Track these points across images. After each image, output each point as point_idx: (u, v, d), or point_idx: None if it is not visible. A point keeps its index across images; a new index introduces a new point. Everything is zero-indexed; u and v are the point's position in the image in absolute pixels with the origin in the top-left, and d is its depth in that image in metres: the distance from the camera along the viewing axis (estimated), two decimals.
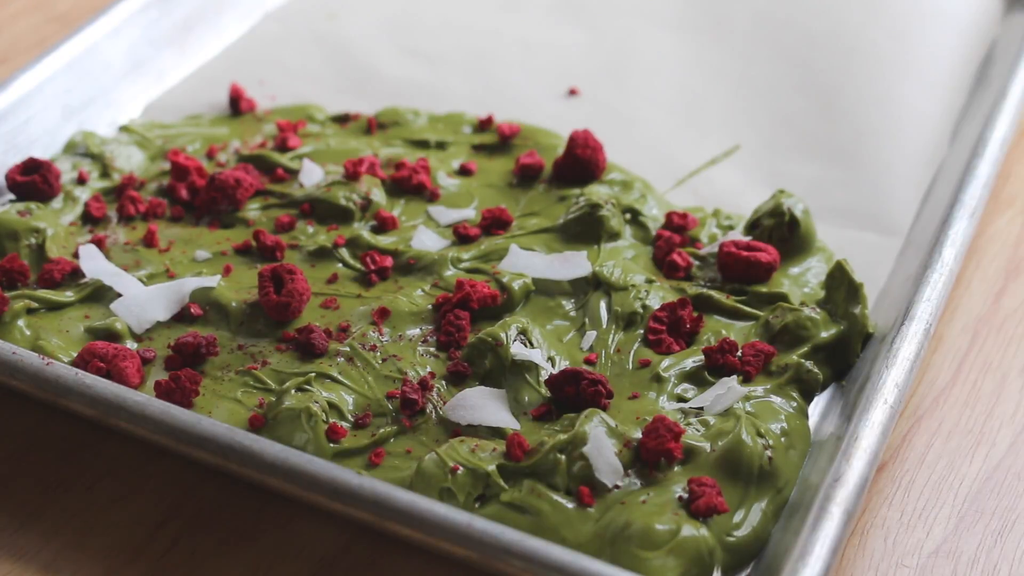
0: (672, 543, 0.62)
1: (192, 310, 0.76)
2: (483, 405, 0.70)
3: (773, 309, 0.75)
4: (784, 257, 0.79)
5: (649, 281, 0.78)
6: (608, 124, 0.91)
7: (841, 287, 0.75)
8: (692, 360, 0.73)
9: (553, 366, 0.72)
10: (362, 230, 0.82)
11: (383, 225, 0.82)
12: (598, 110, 0.95)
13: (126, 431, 0.67)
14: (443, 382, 0.72)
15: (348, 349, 0.73)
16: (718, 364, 0.72)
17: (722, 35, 1.01)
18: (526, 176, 0.86)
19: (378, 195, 0.84)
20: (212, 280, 0.77)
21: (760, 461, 0.66)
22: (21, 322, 0.74)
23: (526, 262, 0.78)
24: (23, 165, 0.84)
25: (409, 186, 0.85)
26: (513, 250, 0.79)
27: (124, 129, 0.91)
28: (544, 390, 0.71)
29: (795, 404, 0.71)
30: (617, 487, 0.65)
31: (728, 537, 0.64)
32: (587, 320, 0.76)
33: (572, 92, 0.97)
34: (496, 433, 0.69)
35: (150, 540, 0.66)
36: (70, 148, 0.89)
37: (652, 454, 0.66)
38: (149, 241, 0.81)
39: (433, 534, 0.61)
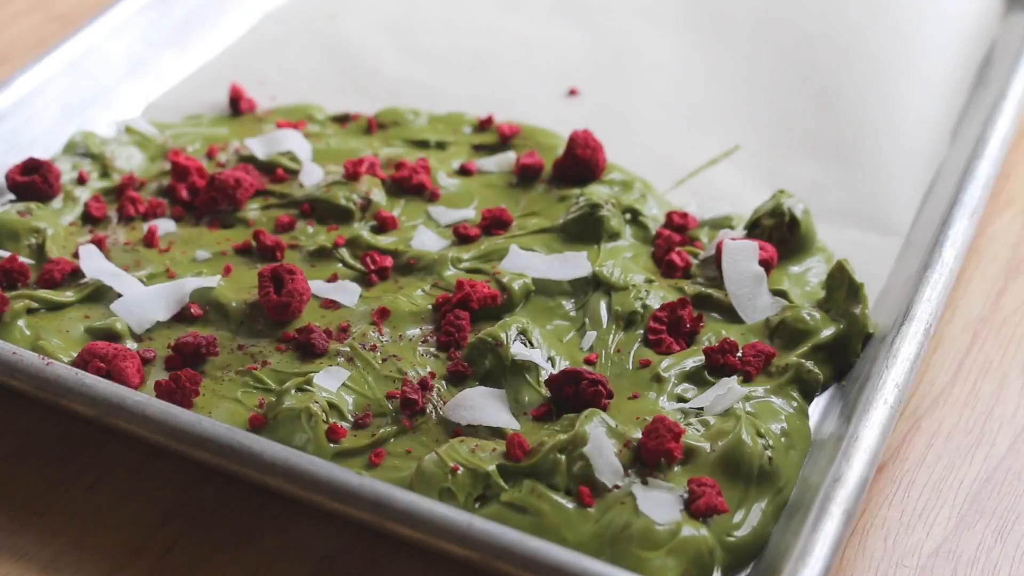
0: (672, 543, 0.62)
1: (192, 310, 0.76)
2: (483, 405, 0.70)
3: None
4: (784, 257, 0.79)
5: (649, 281, 0.78)
6: (608, 124, 0.91)
7: (841, 287, 0.75)
8: (692, 360, 0.73)
9: (553, 366, 0.72)
10: (362, 230, 0.82)
11: (383, 225, 0.82)
12: (598, 110, 0.95)
13: (126, 431, 0.67)
14: (443, 382, 0.72)
15: (348, 349, 0.73)
16: (718, 364, 0.72)
17: (722, 35, 1.01)
18: (526, 176, 0.86)
19: (378, 195, 0.84)
20: (212, 280, 0.77)
21: (760, 461, 0.66)
22: (21, 322, 0.74)
23: (526, 262, 0.78)
24: (23, 165, 0.84)
25: (409, 186, 0.85)
26: (513, 250, 0.79)
27: (125, 129, 0.91)
28: (544, 390, 0.71)
29: (795, 404, 0.71)
30: (617, 487, 0.65)
31: (728, 537, 0.64)
32: (587, 320, 0.76)
33: (572, 92, 0.97)
34: (496, 433, 0.69)
35: (150, 540, 0.66)
36: (70, 148, 0.89)
37: (652, 454, 0.66)
38: (149, 241, 0.81)
39: (433, 534, 0.61)
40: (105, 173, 0.87)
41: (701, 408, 0.70)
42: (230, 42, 1.02)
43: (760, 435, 0.67)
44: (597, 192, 0.83)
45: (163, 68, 0.97)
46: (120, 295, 0.76)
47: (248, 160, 0.88)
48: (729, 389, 0.70)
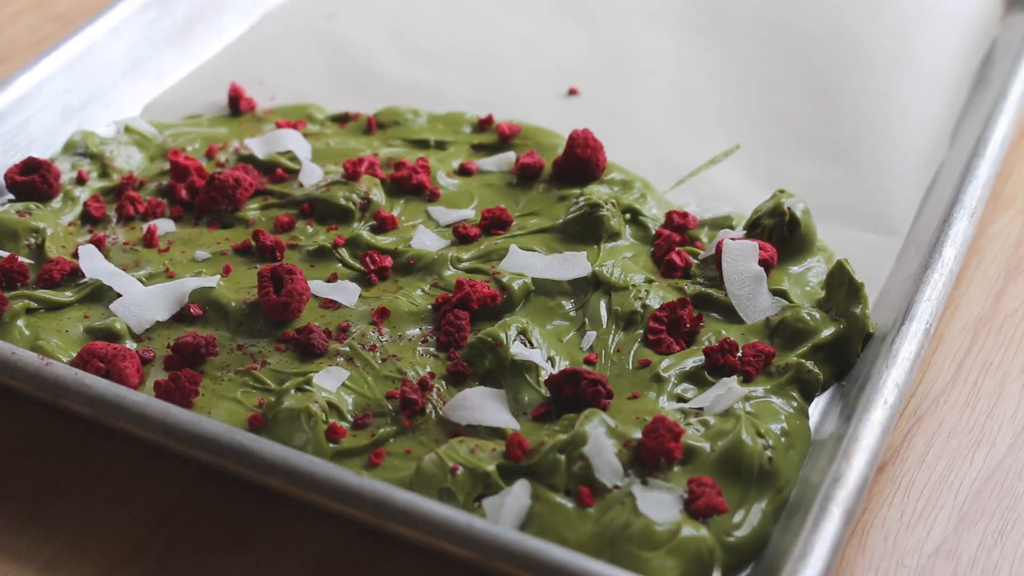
0: (672, 543, 0.62)
1: (192, 310, 0.76)
2: (483, 405, 0.70)
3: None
4: (784, 257, 0.79)
5: (649, 281, 0.78)
6: (608, 124, 0.91)
7: (842, 287, 0.75)
8: (692, 360, 0.73)
9: (553, 366, 0.72)
10: (362, 230, 0.82)
11: (383, 225, 0.82)
12: (598, 110, 0.95)
13: (126, 431, 0.67)
14: (443, 382, 0.72)
15: (348, 349, 0.73)
16: (718, 364, 0.72)
17: (722, 35, 1.01)
18: (526, 176, 0.86)
19: (378, 195, 0.84)
20: (211, 280, 0.77)
21: (760, 461, 0.66)
22: (21, 322, 0.74)
23: (526, 262, 0.78)
24: (22, 165, 0.84)
25: (409, 186, 0.85)
26: (513, 250, 0.79)
27: (124, 129, 0.91)
28: (544, 390, 0.71)
29: (795, 404, 0.71)
30: (617, 487, 0.65)
31: (728, 537, 0.64)
32: (587, 320, 0.76)
33: (572, 92, 0.97)
34: (496, 433, 0.68)
35: (150, 540, 0.66)
36: (69, 148, 0.89)
37: (652, 454, 0.66)
38: (149, 241, 0.81)
39: (433, 534, 0.61)
40: (104, 173, 0.87)
41: (701, 408, 0.70)
42: (229, 42, 1.02)
43: (760, 435, 0.67)
44: (597, 192, 0.83)
45: (162, 68, 0.97)
46: (119, 295, 0.76)
47: (248, 160, 0.88)
48: (729, 389, 0.70)
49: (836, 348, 0.74)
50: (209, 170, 0.87)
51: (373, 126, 0.92)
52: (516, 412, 0.70)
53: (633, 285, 0.77)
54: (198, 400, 0.70)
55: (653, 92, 0.97)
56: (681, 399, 0.71)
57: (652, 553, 0.62)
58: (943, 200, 0.81)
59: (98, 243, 0.80)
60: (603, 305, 0.76)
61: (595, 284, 0.77)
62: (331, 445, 0.68)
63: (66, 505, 0.68)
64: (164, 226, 0.82)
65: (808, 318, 0.74)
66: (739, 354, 0.73)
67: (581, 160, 0.85)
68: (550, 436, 0.67)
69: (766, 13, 1.03)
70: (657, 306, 0.75)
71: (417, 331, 0.75)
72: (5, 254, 0.78)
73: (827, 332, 0.74)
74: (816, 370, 0.72)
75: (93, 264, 0.78)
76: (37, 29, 1.06)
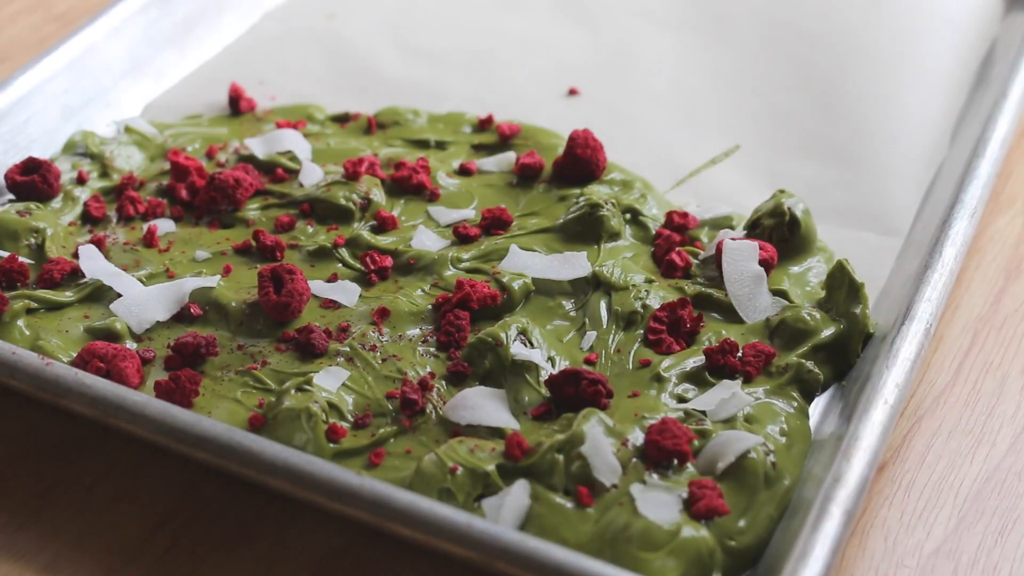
0: (672, 544, 0.62)
1: (192, 310, 0.76)
2: (483, 405, 0.70)
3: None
4: (785, 257, 0.79)
5: (649, 281, 0.78)
6: (608, 124, 0.91)
7: (842, 287, 0.75)
8: (693, 360, 0.73)
9: (553, 366, 0.72)
10: (362, 230, 0.82)
11: (383, 225, 0.82)
12: (598, 110, 0.95)
13: (126, 431, 0.67)
14: (443, 382, 0.72)
15: (348, 349, 0.73)
16: (718, 364, 0.72)
17: (722, 35, 1.01)
18: (526, 176, 0.86)
19: (378, 195, 0.84)
20: (212, 280, 0.77)
21: (764, 468, 0.66)
22: (21, 322, 0.74)
23: (526, 262, 0.78)
24: (22, 165, 0.84)
25: (409, 186, 0.85)
26: (513, 250, 0.79)
27: (124, 129, 0.91)
28: (544, 390, 0.71)
29: (796, 404, 0.71)
30: (615, 486, 0.65)
31: (729, 540, 0.64)
32: (587, 320, 0.76)
33: (572, 92, 0.97)
34: (496, 433, 0.68)
35: (150, 540, 0.66)
36: (69, 148, 0.89)
37: (666, 453, 0.65)
38: (149, 241, 0.81)
39: (433, 534, 0.61)
40: (105, 173, 0.87)
41: (704, 412, 0.69)
42: (229, 42, 1.02)
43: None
44: (597, 192, 0.83)
45: (163, 68, 0.97)
46: (120, 295, 0.76)
47: (248, 160, 0.88)
48: (733, 395, 0.69)
49: (836, 348, 0.74)
50: (209, 170, 0.87)
51: (373, 126, 0.92)
52: (516, 412, 0.70)
53: (633, 285, 0.77)
54: (198, 400, 0.70)
55: (653, 92, 0.97)
56: (682, 399, 0.71)
57: (652, 554, 0.62)
58: (943, 200, 0.81)
59: (98, 243, 0.80)
60: (603, 305, 0.76)
61: (595, 284, 0.77)
62: (331, 445, 0.68)
63: (66, 505, 0.68)
64: (164, 226, 0.82)
65: (808, 318, 0.74)
66: (739, 354, 0.73)
67: (581, 160, 0.85)
68: (548, 436, 0.67)
69: (766, 13, 1.03)
70: (657, 306, 0.75)
71: (417, 331, 0.75)
72: (5, 254, 0.78)
73: (827, 332, 0.74)
74: (816, 370, 0.72)
75: (93, 264, 0.78)
76: (37, 29, 1.06)
